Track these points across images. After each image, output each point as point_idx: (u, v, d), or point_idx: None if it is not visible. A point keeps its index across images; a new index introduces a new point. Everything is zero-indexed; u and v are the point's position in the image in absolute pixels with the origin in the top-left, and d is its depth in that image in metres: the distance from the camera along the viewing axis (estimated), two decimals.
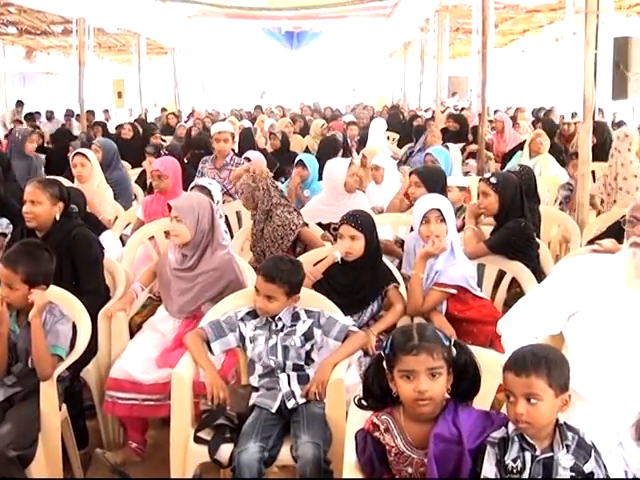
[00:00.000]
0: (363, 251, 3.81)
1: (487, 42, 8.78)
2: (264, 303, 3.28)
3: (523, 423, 2.17)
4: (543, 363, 2.18)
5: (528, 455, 2.20)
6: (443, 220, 3.82)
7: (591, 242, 4.76)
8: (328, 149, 7.76)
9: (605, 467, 2.19)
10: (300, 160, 6.25)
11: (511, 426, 2.25)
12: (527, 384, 2.16)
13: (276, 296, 3.28)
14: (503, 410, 2.38)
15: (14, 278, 3.19)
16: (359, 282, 3.82)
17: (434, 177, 4.91)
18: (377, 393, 2.38)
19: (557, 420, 2.23)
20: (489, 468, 2.21)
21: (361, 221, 3.84)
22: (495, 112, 12.96)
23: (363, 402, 2.43)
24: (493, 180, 4.35)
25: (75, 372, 3.65)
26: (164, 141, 10.38)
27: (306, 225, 4.70)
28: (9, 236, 4.56)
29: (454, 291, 3.65)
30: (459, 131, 10.30)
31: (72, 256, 3.85)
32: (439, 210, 3.83)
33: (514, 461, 2.20)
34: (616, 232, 4.48)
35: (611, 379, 2.73)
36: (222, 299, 3.66)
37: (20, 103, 18.37)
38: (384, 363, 2.34)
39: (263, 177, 4.83)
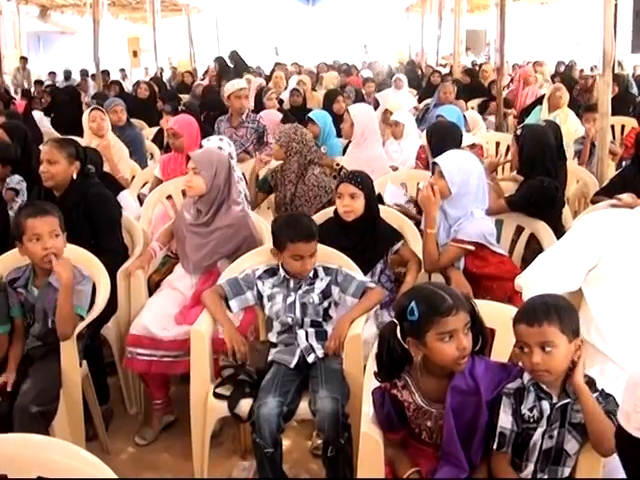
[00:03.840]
0: (363, 210, 3.80)
1: None
2: (307, 264, 3.28)
3: (540, 372, 2.20)
4: (553, 310, 2.20)
5: (545, 404, 2.23)
6: None
7: (598, 194, 4.73)
8: (329, 102, 7.83)
9: (611, 403, 2.21)
10: (308, 117, 6.23)
11: (526, 377, 2.28)
12: (540, 333, 2.18)
13: (313, 253, 3.29)
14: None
15: (57, 225, 3.24)
16: (362, 244, 3.79)
17: (438, 135, 4.84)
18: (396, 363, 2.36)
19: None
20: (505, 418, 2.25)
21: (360, 179, 3.82)
22: (520, 66, 12.78)
23: (380, 375, 2.42)
24: (518, 131, 4.38)
25: (95, 330, 3.69)
26: (179, 100, 10.32)
27: None
28: (20, 193, 4.58)
29: (472, 247, 3.61)
30: (470, 84, 10.26)
31: (90, 215, 3.87)
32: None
33: (530, 410, 2.24)
34: (621, 185, 4.44)
35: (630, 334, 2.73)
36: (237, 255, 3.67)
37: (24, 59, 18.30)
38: (397, 331, 2.33)
39: (305, 132, 4.92)
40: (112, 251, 3.91)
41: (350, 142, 5.83)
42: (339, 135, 6.39)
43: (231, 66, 12.88)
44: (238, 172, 4.87)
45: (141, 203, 4.99)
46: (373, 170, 5.03)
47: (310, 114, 6.29)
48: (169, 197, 4.93)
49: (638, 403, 1.30)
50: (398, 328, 2.32)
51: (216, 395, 3.14)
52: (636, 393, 1.31)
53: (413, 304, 2.25)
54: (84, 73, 16.58)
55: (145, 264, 3.96)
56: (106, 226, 3.96)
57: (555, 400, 2.23)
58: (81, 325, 3.26)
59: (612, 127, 7.08)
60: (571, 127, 6.92)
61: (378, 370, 2.42)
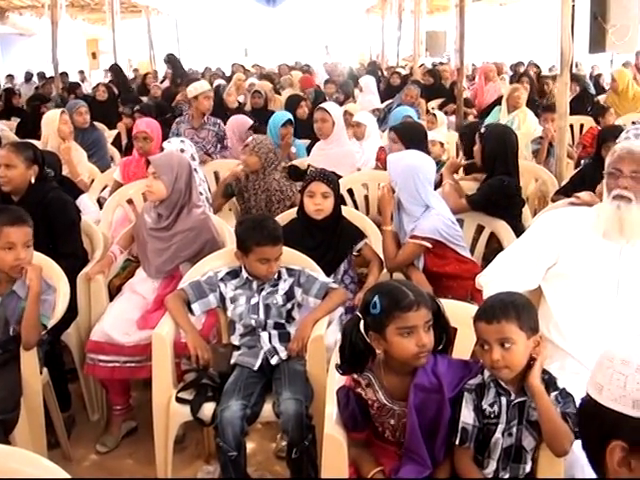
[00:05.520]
0: (332, 209, 3.81)
1: None
2: (273, 267, 3.27)
3: (501, 368, 2.23)
4: (511, 308, 2.25)
5: (504, 400, 2.28)
6: None
7: (558, 193, 4.80)
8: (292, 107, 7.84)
9: (569, 405, 2.23)
10: (289, 119, 6.22)
11: (487, 373, 2.31)
12: (499, 330, 2.23)
13: (279, 256, 3.29)
14: None
15: (31, 236, 3.19)
16: (326, 243, 3.81)
17: (410, 133, 4.89)
18: (358, 356, 2.38)
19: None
20: (467, 414, 2.28)
21: (331, 178, 3.86)
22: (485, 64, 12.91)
23: (342, 368, 2.44)
24: (482, 130, 4.42)
25: (55, 336, 3.64)
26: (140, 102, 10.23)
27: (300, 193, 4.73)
28: None
29: (428, 244, 3.63)
30: (433, 85, 10.44)
31: (48, 220, 3.81)
32: None
33: (491, 406, 2.28)
34: (580, 183, 4.51)
35: (589, 330, 2.76)
36: (199, 259, 3.64)
37: None
38: (361, 325, 2.35)
39: (272, 142, 4.92)
40: (71, 255, 3.86)
41: (314, 143, 5.86)
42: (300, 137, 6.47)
43: (169, 71, 12.96)
44: (200, 174, 4.84)
45: (101, 207, 4.93)
46: (343, 165, 5.06)
47: (290, 116, 6.30)
48: (130, 201, 4.88)
49: (616, 376, 1.35)
50: (362, 322, 2.34)
51: (178, 400, 3.11)
52: (614, 367, 1.37)
53: (376, 298, 2.28)
54: (42, 76, 16.32)
55: (105, 268, 3.92)
56: (65, 230, 3.91)
57: (512, 397, 2.27)
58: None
59: (571, 126, 7.18)
60: (530, 127, 7.00)
61: (340, 363, 2.43)
